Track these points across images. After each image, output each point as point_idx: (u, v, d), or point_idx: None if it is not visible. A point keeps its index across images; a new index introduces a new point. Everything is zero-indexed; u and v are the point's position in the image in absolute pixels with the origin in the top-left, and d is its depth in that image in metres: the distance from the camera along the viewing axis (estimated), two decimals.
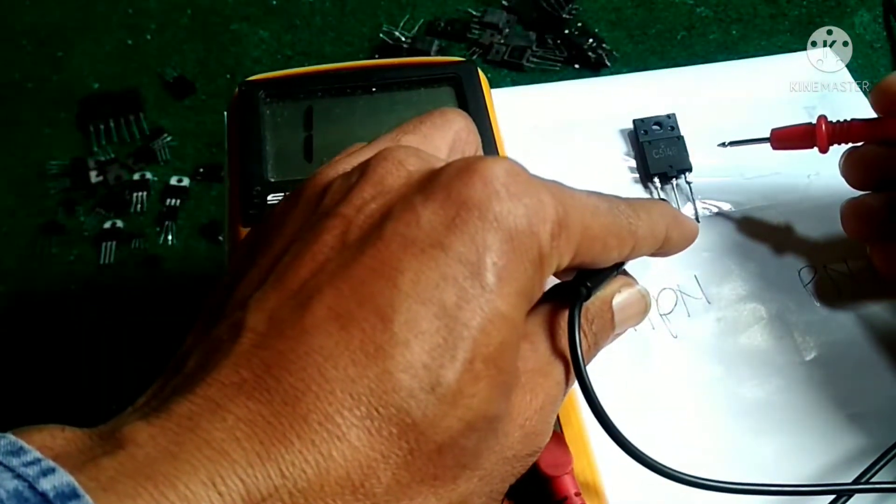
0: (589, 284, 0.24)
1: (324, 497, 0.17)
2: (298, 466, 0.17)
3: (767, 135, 0.39)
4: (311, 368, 0.18)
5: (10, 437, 0.17)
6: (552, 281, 0.25)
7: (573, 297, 0.24)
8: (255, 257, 0.22)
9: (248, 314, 0.19)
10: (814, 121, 0.37)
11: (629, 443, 0.24)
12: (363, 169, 0.22)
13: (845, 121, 0.36)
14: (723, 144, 0.41)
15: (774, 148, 0.39)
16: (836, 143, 0.37)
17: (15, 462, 0.16)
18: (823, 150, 0.37)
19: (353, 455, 0.18)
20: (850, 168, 0.36)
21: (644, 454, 0.24)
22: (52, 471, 0.16)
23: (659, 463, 0.24)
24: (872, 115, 0.36)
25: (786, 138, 0.38)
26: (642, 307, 0.27)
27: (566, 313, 0.23)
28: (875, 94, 0.35)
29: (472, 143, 0.26)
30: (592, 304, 0.25)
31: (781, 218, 0.40)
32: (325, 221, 0.21)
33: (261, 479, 0.17)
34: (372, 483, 0.18)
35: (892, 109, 0.35)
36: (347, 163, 0.23)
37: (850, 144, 0.36)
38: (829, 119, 0.37)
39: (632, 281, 0.27)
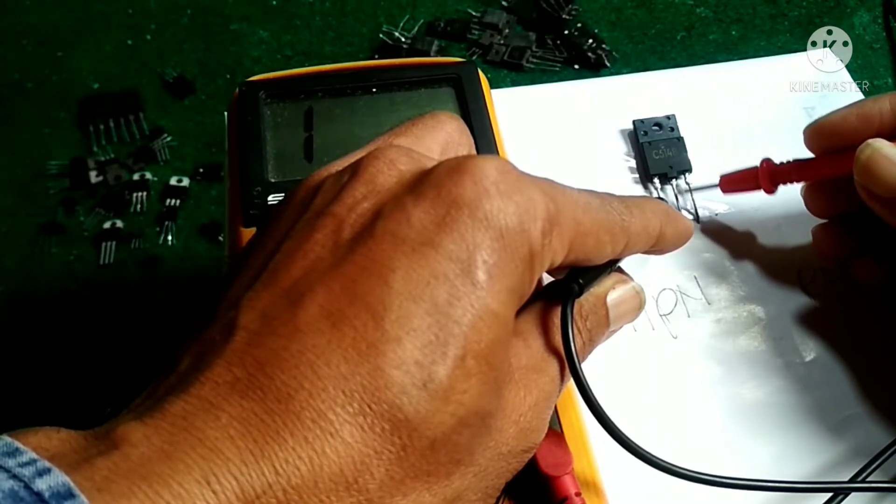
0: (581, 281, 0.24)
1: (318, 493, 0.17)
2: (292, 463, 0.17)
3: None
4: (303, 366, 0.18)
5: (6, 438, 0.17)
6: (548, 279, 0.25)
7: (565, 293, 0.24)
8: (249, 258, 0.22)
9: (241, 313, 0.19)
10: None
11: (622, 433, 0.24)
12: (354, 168, 0.22)
13: (787, 162, 0.37)
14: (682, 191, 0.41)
15: (724, 192, 0.40)
16: (780, 184, 0.37)
17: (10, 463, 0.16)
18: (769, 192, 0.38)
19: (347, 451, 0.18)
20: (810, 200, 0.37)
21: (636, 444, 0.24)
22: (47, 471, 0.16)
23: (649, 453, 0.24)
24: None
25: (733, 183, 0.39)
26: (637, 303, 0.27)
27: (559, 310, 0.23)
28: (808, 136, 0.36)
29: (464, 145, 0.26)
30: (587, 301, 0.25)
31: (781, 219, 0.40)
32: (317, 220, 0.21)
33: (255, 477, 0.17)
34: (365, 479, 0.18)
35: (825, 148, 0.36)
36: (340, 164, 0.23)
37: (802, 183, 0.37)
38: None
39: (626, 278, 0.27)
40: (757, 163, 0.38)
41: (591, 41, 0.68)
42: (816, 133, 0.36)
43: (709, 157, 0.42)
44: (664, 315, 0.37)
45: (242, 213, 0.33)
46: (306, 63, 0.70)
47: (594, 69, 0.68)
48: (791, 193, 0.38)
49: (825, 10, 0.70)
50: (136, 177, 0.65)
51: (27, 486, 0.15)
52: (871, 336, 0.36)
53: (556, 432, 0.25)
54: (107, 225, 0.62)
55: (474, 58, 0.69)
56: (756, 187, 0.38)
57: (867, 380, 0.35)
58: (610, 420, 0.24)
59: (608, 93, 0.45)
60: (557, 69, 0.68)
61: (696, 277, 0.38)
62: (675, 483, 0.25)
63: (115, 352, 0.56)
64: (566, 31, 0.69)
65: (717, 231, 0.40)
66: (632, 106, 0.44)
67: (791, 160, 0.37)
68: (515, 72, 0.68)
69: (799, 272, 0.38)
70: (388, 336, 0.18)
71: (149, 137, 0.67)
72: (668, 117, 0.43)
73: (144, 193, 0.64)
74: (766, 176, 0.37)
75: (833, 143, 0.35)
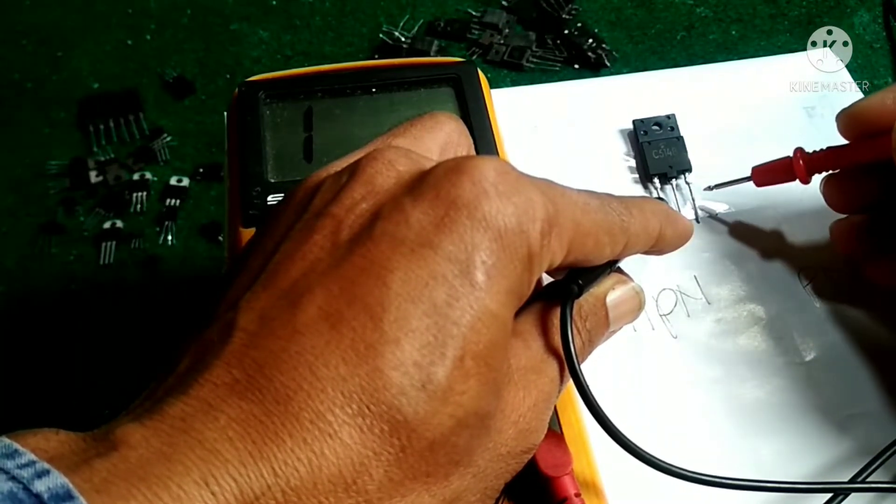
0: (581, 282, 0.24)
1: (316, 495, 0.17)
2: (291, 465, 0.17)
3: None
4: (302, 367, 0.18)
5: (5, 439, 0.17)
6: (548, 279, 0.25)
7: (565, 294, 0.24)
8: (248, 259, 0.22)
9: (240, 314, 0.19)
10: (813, 121, 0.37)
11: (622, 434, 0.24)
12: (353, 169, 0.22)
13: (821, 150, 0.36)
14: (709, 188, 0.41)
15: (758, 185, 0.39)
16: (815, 173, 0.37)
17: (9, 464, 0.16)
18: (805, 182, 0.37)
19: (345, 452, 0.18)
20: (830, 194, 0.37)
21: (635, 445, 0.24)
22: (46, 472, 0.16)
23: (649, 454, 0.24)
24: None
25: (766, 174, 0.38)
26: (637, 304, 0.27)
27: (559, 311, 0.23)
28: (842, 121, 0.35)
29: (463, 146, 0.26)
30: (586, 302, 0.25)
31: (781, 219, 0.40)
32: (316, 221, 0.21)
33: (253, 478, 0.17)
34: (364, 480, 0.18)
35: (859, 135, 0.35)
36: (339, 165, 0.23)
37: (830, 172, 0.36)
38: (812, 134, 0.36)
39: (626, 278, 0.27)
40: (757, 160, 0.38)
41: (591, 41, 0.68)
42: (851, 118, 0.35)
43: (709, 157, 0.41)
44: (664, 315, 0.37)
45: (242, 213, 0.33)
46: (306, 63, 0.70)
47: (594, 69, 0.68)
48: (791, 193, 0.38)
49: (825, 10, 0.70)
50: (136, 177, 0.65)
51: (26, 488, 0.15)
52: (872, 336, 0.36)
53: (555, 433, 0.25)
54: (107, 225, 0.62)
55: (474, 58, 0.69)
56: (790, 178, 0.37)
57: (867, 380, 0.35)
58: (609, 421, 0.24)
59: (608, 93, 0.45)
60: (557, 69, 0.68)
61: (696, 277, 0.38)
62: (674, 483, 0.25)
63: (115, 352, 0.56)
64: (566, 31, 0.69)
65: (717, 231, 0.40)
66: (632, 106, 0.43)
67: (825, 148, 0.36)
68: (515, 72, 0.68)
69: (799, 272, 0.38)
70: (387, 337, 0.18)
71: (149, 137, 0.67)
72: (668, 117, 0.42)
73: (144, 193, 0.64)
74: (801, 165, 0.36)
75: (868, 127, 0.34)
